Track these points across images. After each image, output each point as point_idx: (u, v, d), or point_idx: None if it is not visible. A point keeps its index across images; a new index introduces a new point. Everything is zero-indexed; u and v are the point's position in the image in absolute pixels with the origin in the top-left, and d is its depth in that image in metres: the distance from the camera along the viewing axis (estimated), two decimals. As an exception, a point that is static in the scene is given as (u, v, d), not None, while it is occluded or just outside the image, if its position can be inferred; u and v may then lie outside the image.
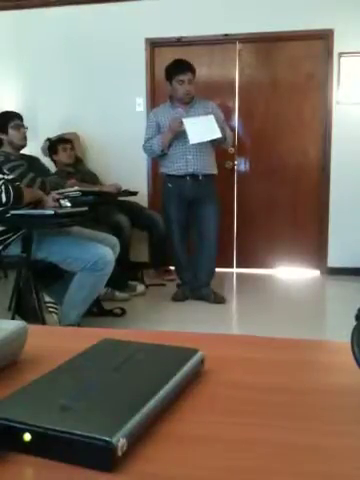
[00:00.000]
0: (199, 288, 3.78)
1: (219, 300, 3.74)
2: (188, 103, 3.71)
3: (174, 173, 3.69)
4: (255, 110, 4.61)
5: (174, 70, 3.66)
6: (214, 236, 3.76)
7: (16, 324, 0.53)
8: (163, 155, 3.72)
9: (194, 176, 3.67)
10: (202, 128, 3.49)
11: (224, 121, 3.73)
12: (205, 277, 3.78)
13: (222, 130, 3.55)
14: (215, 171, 3.81)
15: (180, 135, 3.55)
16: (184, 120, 3.49)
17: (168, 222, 3.84)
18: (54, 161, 4.39)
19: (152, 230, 4.48)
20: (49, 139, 4.50)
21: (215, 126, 3.48)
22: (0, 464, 0.35)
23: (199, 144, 3.54)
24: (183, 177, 3.67)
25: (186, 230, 3.82)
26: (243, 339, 0.63)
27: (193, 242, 3.84)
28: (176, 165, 3.66)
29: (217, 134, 3.49)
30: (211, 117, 3.49)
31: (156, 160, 4.13)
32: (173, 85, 3.67)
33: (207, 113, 3.56)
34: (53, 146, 4.39)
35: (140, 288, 3.97)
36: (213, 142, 3.63)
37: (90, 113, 4.88)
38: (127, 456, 0.35)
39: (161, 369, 0.47)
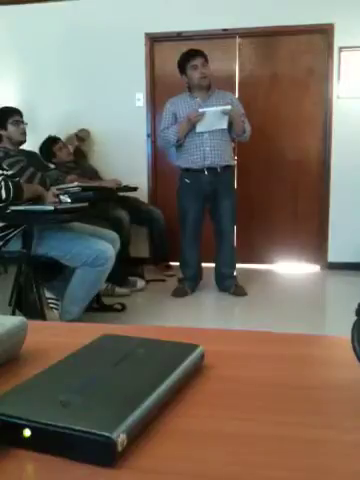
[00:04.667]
0: (222, 279, 3.84)
1: (240, 293, 3.77)
2: (206, 91, 3.70)
3: (191, 166, 3.67)
4: (255, 105, 4.59)
5: (185, 58, 3.66)
6: (233, 229, 3.82)
7: (16, 319, 0.53)
8: (179, 146, 3.70)
9: (212, 169, 3.65)
10: (213, 119, 3.53)
11: (243, 114, 3.72)
12: (228, 269, 3.84)
13: (242, 122, 3.61)
14: (233, 162, 3.84)
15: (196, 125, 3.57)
16: (201, 110, 3.50)
17: (183, 217, 3.79)
18: (55, 163, 4.28)
19: (152, 225, 4.48)
20: (45, 143, 4.37)
21: (225, 119, 3.54)
22: (0, 460, 0.35)
23: (216, 135, 3.58)
24: (201, 171, 3.65)
25: (201, 226, 3.81)
26: (243, 334, 0.62)
27: (207, 236, 3.86)
28: (193, 158, 3.64)
29: (223, 126, 3.56)
30: (227, 108, 3.51)
31: (166, 154, 4.11)
32: (188, 73, 3.66)
33: (226, 105, 3.57)
34: (49, 150, 4.27)
35: (140, 283, 3.98)
36: (231, 133, 3.66)
37: (90, 108, 4.87)
38: (127, 451, 0.36)
39: (161, 364, 0.47)
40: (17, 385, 0.42)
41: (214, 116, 3.53)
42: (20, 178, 2.93)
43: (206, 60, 3.67)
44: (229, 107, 3.53)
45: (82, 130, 4.74)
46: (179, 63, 3.71)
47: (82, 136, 4.70)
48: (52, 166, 4.18)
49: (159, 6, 4.65)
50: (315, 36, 4.55)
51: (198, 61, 3.62)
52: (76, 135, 4.61)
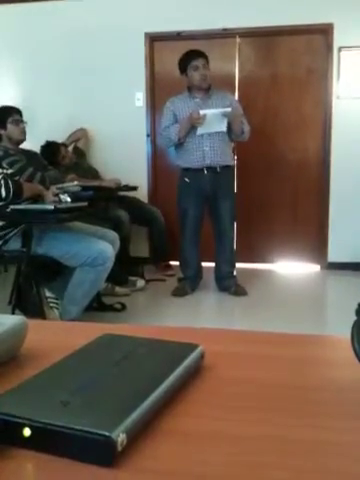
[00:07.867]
0: (222, 279, 3.84)
1: (240, 292, 3.77)
2: (206, 91, 3.71)
3: (191, 166, 3.68)
4: (255, 105, 4.59)
5: (187, 58, 3.67)
6: (232, 228, 3.83)
7: (16, 319, 0.53)
8: (180, 145, 3.71)
9: (212, 168, 3.66)
10: (213, 121, 3.54)
11: (243, 115, 3.73)
12: (227, 268, 3.84)
13: (240, 123, 3.63)
14: (232, 162, 3.85)
15: (196, 126, 3.58)
16: (202, 112, 3.50)
17: (183, 217, 3.79)
18: (59, 165, 4.19)
19: (152, 225, 4.48)
20: (46, 150, 4.29)
21: (224, 122, 3.55)
22: (0, 459, 0.35)
23: (215, 135, 3.60)
24: (200, 170, 3.66)
25: (200, 225, 3.81)
26: (243, 334, 0.62)
27: (206, 235, 3.86)
28: (192, 157, 3.65)
29: (222, 128, 3.58)
30: (227, 111, 3.51)
31: (166, 153, 4.13)
32: (188, 74, 3.66)
33: (225, 106, 3.58)
34: (53, 160, 4.13)
35: (140, 283, 3.97)
36: (230, 134, 3.67)
37: (89, 108, 4.86)
38: (127, 451, 0.35)
39: (161, 364, 0.47)
40: (17, 384, 0.42)
41: (214, 118, 3.53)
42: (20, 177, 2.93)
43: (207, 62, 3.68)
44: (229, 109, 3.53)
45: (79, 130, 4.72)
46: (180, 63, 3.72)
47: (80, 136, 4.69)
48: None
49: (159, 6, 4.65)
50: (315, 36, 4.54)
51: (200, 62, 3.63)
52: (74, 148, 4.61)
